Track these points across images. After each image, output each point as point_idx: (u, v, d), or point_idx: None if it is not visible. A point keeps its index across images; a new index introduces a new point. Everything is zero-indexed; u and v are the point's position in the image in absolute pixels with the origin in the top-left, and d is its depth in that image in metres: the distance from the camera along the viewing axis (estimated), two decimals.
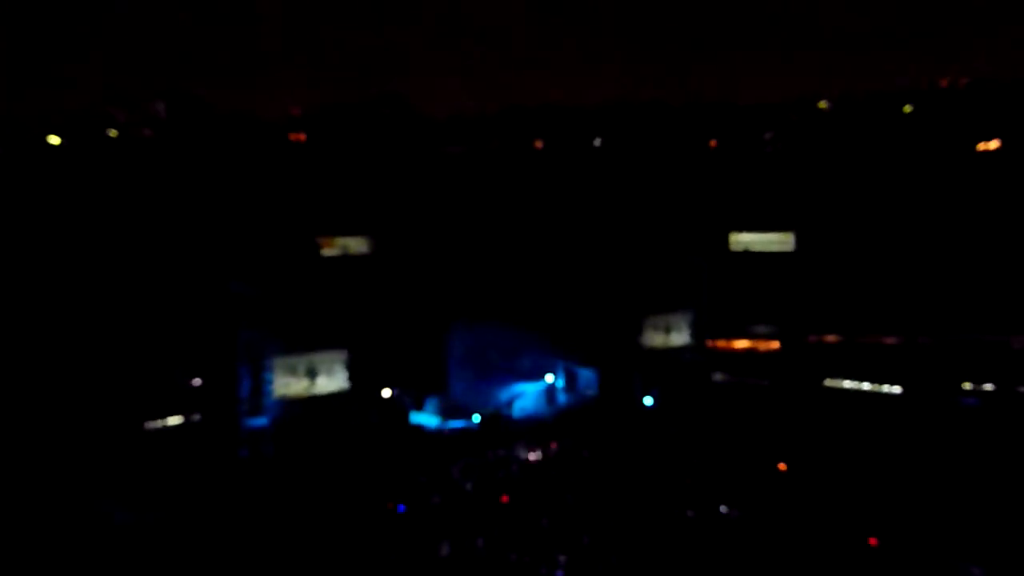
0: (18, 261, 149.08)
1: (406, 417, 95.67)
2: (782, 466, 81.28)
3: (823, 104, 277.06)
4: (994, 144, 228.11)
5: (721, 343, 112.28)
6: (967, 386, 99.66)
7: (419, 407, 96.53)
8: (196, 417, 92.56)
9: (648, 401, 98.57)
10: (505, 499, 75.66)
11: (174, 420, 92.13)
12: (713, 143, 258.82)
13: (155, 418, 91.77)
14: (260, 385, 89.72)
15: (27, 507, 73.84)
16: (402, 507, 74.05)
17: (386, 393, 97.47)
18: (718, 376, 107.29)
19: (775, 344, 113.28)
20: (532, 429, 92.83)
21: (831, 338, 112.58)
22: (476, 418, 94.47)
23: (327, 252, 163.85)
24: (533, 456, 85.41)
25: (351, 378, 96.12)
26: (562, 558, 65.00)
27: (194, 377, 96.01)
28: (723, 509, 72.80)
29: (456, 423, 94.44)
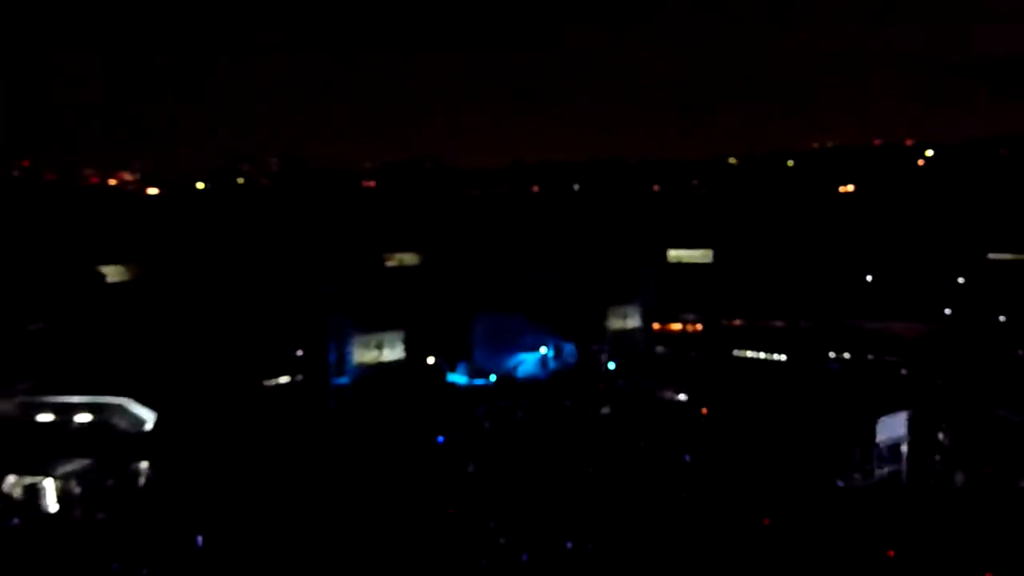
0: (181, 271, 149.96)
1: (443, 377, 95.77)
2: (704, 411, 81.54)
3: (733, 160, 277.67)
4: (850, 187, 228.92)
5: (663, 326, 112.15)
6: (832, 355, 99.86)
7: (452, 370, 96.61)
8: (299, 377, 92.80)
9: (611, 366, 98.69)
10: (513, 435, 75.99)
11: (284, 379, 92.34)
12: (656, 188, 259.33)
13: (271, 377, 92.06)
14: (343, 355, 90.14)
15: (191, 435, 74.60)
16: (441, 438, 74.38)
17: (430, 360, 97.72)
18: (659, 349, 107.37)
19: (699, 326, 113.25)
20: (531, 386, 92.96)
21: (737, 322, 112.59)
22: (492, 378, 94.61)
23: (389, 263, 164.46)
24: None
25: (406, 350, 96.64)
26: (553, 472, 65.77)
27: (298, 349, 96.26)
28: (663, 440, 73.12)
29: (478, 381, 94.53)
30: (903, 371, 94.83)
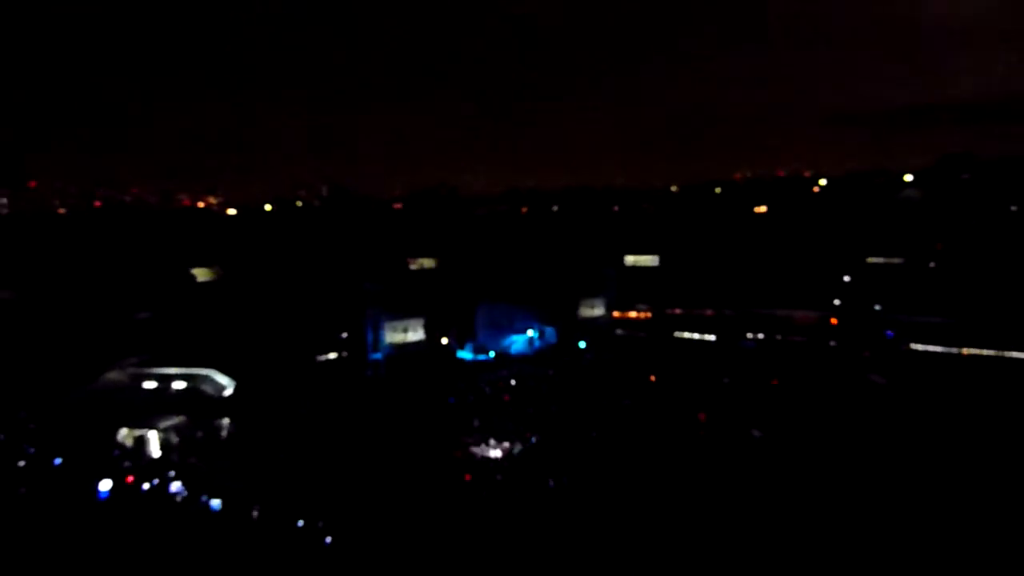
0: (254, 273, 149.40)
1: (454, 353, 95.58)
2: (652, 378, 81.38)
3: (674, 188, 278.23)
4: (763, 208, 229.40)
5: (621, 314, 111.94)
6: (749, 335, 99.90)
7: (461, 347, 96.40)
8: (344, 354, 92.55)
9: (582, 345, 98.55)
10: (507, 397, 75.87)
11: (332, 355, 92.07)
12: (616, 208, 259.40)
13: (323, 354, 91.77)
14: (378, 336, 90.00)
15: (262, 398, 74.37)
16: (452, 399, 74.30)
17: (444, 341, 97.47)
18: (619, 331, 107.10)
19: (648, 314, 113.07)
20: (521, 360, 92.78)
21: (678, 311, 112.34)
22: (491, 354, 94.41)
23: (412, 267, 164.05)
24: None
25: (426, 333, 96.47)
26: (539, 426, 65.78)
27: (343, 332, 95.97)
28: (624, 401, 73.04)
29: (481, 356, 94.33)
30: (803, 347, 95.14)
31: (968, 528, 45.86)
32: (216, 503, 50.84)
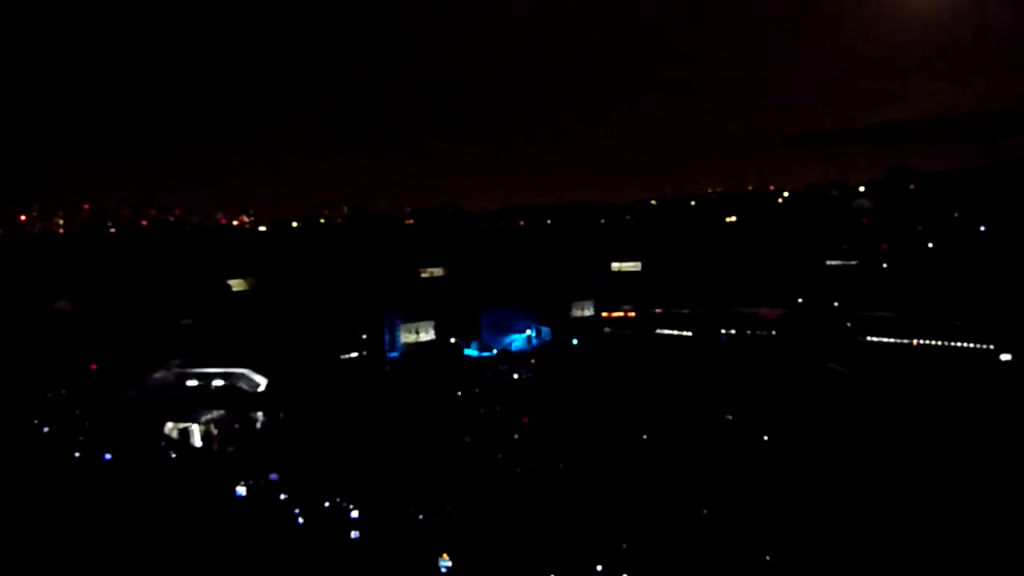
0: (283, 283, 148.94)
1: (461, 351, 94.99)
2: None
3: (653, 201, 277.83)
4: (733, 218, 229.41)
5: (608, 314, 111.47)
6: (722, 331, 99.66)
7: (467, 346, 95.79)
8: (364, 353, 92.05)
9: (575, 341, 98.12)
10: (508, 387, 75.65)
11: (354, 354, 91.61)
12: (602, 221, 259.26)
13: (346, 353, 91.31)
14: (394, 337, 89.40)
15: (292, 393, 74.13)
16: (460, 392, 74.02)
17: (452, 340, 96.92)
18: (607, 329, 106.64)
19: (633, 314, 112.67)
20: (520, 356, 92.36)
21: (659, 310, 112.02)
22: (494, 351, 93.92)
23: (423, 275, 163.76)
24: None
25: (436, 333, 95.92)
26: (536, 410, 65.56)
27: (363, 334, 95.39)
28: (610, 391, 72.83)
29: (485, 354, 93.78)
30: (770, 340, 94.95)
31: (924, 495, 45.57)
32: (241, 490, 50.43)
